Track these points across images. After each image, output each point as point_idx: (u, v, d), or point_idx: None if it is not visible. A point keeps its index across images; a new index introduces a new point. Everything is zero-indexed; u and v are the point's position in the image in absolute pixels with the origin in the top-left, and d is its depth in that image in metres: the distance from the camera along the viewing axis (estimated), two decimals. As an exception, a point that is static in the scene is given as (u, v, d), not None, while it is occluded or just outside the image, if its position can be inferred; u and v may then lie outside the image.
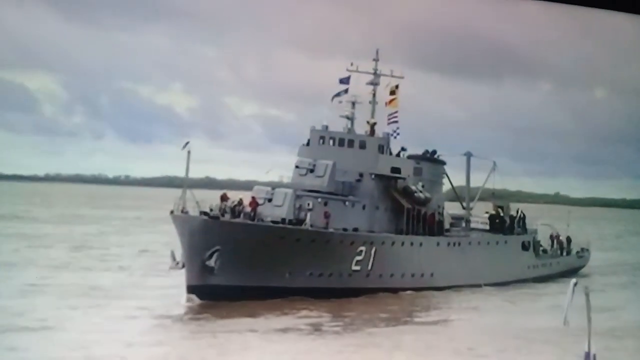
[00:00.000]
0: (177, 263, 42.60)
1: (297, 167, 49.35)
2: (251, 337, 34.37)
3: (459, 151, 60.24)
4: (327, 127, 51.71)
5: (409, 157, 55.60)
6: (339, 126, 52.21)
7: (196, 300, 41.57)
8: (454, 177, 59.97)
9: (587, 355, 20.50)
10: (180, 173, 41.10)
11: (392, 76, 53.12)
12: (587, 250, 65.81)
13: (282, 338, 34.74)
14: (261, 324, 37.07)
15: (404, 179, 52.58)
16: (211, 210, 43.12)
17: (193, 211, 42.12)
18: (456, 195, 60.64)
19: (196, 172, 45.53)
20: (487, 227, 59.55)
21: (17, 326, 33.72)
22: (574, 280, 19.90)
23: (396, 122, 52.47)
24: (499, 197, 62.04)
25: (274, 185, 47.35)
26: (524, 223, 60.72)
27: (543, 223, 63.64)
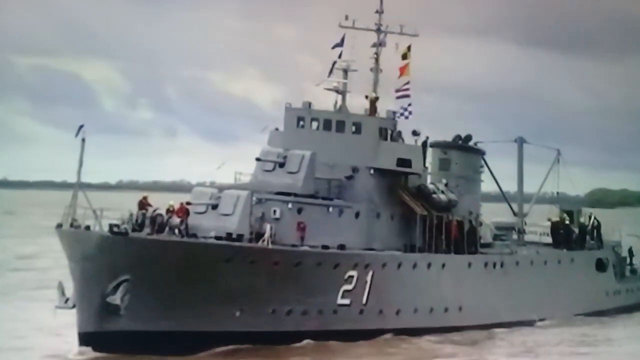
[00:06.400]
0: (67, 300, 31.78)
1: (258, 159, 35.90)
2: None
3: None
4: (310, 104, 38.07)
5: (433, 144, 42.16)
6: (329, 105, 38.67)
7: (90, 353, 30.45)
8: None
9: None
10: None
11: (402, 34, 39.98)
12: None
13: None
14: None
15: (417, 174, 38.84)
16: (123, 222, 31.53)
17: (95, 225, 30.57)
18: (504, 196, 46.75)
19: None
20: (550, 240, 45.29)
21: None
22: None
23: (408, 96, 38.89)
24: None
25: (224, 187, 35.02)
26: (598, 233, 46.46)
27: (630, 233, 48.92)
